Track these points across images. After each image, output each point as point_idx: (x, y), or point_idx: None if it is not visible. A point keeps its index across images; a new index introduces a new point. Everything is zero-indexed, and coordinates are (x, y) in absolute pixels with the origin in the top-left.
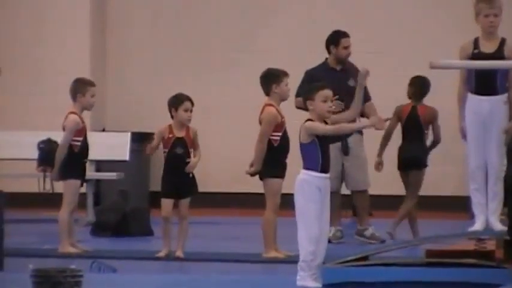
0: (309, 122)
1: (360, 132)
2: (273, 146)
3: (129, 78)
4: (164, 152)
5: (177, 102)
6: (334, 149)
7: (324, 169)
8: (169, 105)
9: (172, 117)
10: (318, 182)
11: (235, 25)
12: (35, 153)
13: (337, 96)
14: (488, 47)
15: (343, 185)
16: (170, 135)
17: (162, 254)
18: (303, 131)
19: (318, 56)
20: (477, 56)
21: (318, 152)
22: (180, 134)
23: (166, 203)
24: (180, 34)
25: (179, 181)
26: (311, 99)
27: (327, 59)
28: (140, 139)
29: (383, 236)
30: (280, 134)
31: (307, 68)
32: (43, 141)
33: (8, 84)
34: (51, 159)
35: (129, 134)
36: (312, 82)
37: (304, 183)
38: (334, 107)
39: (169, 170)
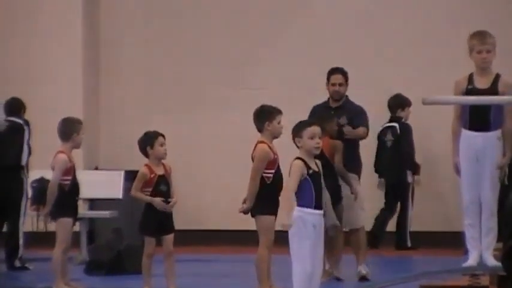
0: (298, 162)
1: (353, 171)
2: (266, 183)
3: (121, 117)
4: (146, 191)
5: (152, 139)
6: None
7: (318, 206)
8: (143, 144)
9: (147, 156)
10: (312, 218)
11: (228, 62)
12: (28, 193)
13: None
14: (482, 83)
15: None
16: (152, 175)
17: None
18: (291, 167)
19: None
20: (471, 91)
21: (312, 189)
22: (160, 171)
23: (152, 242)
24: (172, 72)
25: (164, 219)
26: (299, 136)
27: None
28: (133, 177)
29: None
30: (273, 171)
31: (301, 106)
32: (36, 180)
33: None
34: (44, 198)
35: (122, 173)
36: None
37: (299, 221)
38: (319, 144)
39: (155, 208)
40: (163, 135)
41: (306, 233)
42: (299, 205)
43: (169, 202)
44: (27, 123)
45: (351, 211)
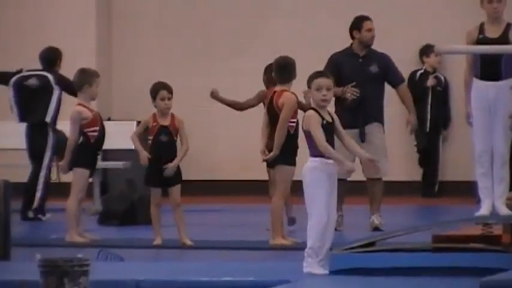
0: (311, 113)
1: (378, 120)
2: (289, 133)
3: (135, 68)
4: (149, 139)
5: (154, 91)
6: (350, 135)
7: (329, 156)
8: (150, 95)
9: (155, 106)
10: (327, 168)
11: (243, 12)
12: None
13: (353, 83)
14: (493, 32)
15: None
16: (154, 124)
17: (157, 242)
18: (306, 118)
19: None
20: (482, 41)
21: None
22: (164, 122)
23: (156, 192)
24: (186, 23)
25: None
26: (309, 87)
27: (351, 44)
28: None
29: (383, 225)
30: (295, 120)
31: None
32: None
33: None
34: (60, 150)
35: (135, 123)
36: (333, 67)
37: (314, 171)
38: (326, 96)
39: (154, 158)
40: (168, 89)
41: (321, 182)
42: (312, 155)
43: (172, 151)
44: (59, 79)
45: (378, 161)
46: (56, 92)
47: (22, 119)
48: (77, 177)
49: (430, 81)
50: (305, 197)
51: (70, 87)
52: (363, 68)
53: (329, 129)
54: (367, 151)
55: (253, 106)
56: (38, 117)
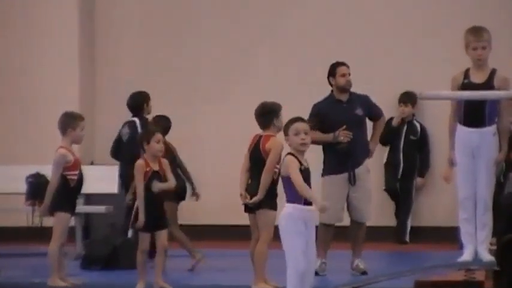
0: (290, 158)
1: (365, 160)
2: (273, 178)
3: (117, 112)
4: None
5: (149, 135)
6: (341, 179)
7: (308, 202)
8: (140, 139)
9: (144, 151)
10: (303, 214)
11: (227, 55)
12: (23, 187)
13: (344, 127)
14: (478, 78)
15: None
16: (147, 169)
17: (141, 286)
18: (283, 164)
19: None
20: (467, 86)
21: None
22: (155, 167)
23: (146, 237)
24: (170, 66)
25: (158, 214)
26: (286, 134)
27: (332, 91)
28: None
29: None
30: (279, 166)
31: (293, 99)
32: (31, 175)
33: None
34: (39, 193)
35: (117, 167)
36: (318, 115)
37: (289, 217)
38: (305, 140)
39: (148, 203)
40: (160, 132)
41: (297, 229)
42: (288, 201)
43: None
44: (143, 123)
45: (366, 204)
46: None
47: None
48: (58, 222)
49: (394, 122)
50: (282, 243)
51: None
52: (350, 112)
53: (306, 175)
54: (358, 196)
55: None
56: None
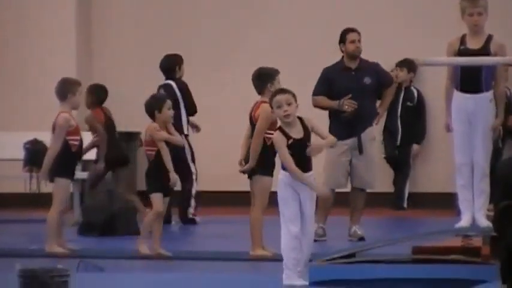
0: (276, 135)
1: (371, 124)
2: (266, 145)
3: (115, 78)
4: (152, 150)
5: (160, 102)
6: (344, 146)
7: (300, 169)
8: (151, 107)
9: (154, 119)
10: (292, 181)
11: (225, 24)
12: (21, 154)
13: (350, 95)
14: (474, 44)
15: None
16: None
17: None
18: (273, 142)
19: (310, 53)
20: (463, 52)
21: (291, 153)
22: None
23: (160, 198)
24: (167, 33)
25: (166, 178)
26: (272, 107)
27: (342, 57)
28: (126, 138)
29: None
30: (273, 132)
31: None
32: (29, 142)
33: None
34: (37, 159)
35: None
36: (326, 81)
37: (281, 183)
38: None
39: (161, 167)
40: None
41: (288, 195)
42: (282, 167)
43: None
44: (181, 86)
45: (370, 172)
46: (181, 100)
47: None
48: (59, 188)
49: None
50: (279, 209)
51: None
52: (357, 80)
53: (298, 146)
54: (362, 163)
55: None
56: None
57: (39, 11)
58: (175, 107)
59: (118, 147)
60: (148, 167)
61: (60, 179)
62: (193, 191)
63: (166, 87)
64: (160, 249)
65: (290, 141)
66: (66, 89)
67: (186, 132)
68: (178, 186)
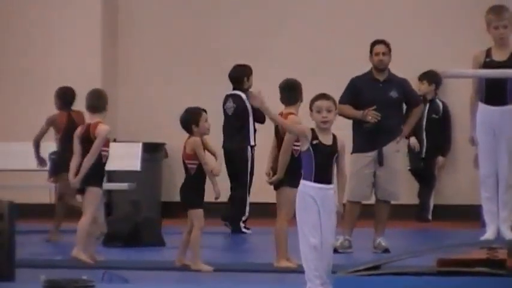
0: (303, 125)
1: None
2: (294, 156)
3: (140, 89)
4: (194, 164)
5: (197, 115)
6: (368, 158)
7: (319, 179)
8: (187, 121)
9: (191, 133)
10: (312, 191)
11: (247, 33)
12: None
13: (374, 107)
14: (500, 56)
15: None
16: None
17: (208, 269)
18: (300, 138)
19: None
20: (489, 64)
21: (312, 162)
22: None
23: (202, 213)
24: (191, 43)
25: (204, 192)
26: (310, 109)
27: (371, 69)
28: (151, 149)
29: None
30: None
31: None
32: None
33: (18, 95)
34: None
35: (140, 144)
36: (353, 90)
37: (300, 194)
38: (327, 118)
39: (202, 181)
40: (205, 111)
41: (306, 206)
42: (302, 178)
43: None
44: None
45: (392, 184)
46: (251, 111)
47: (223, 144)
48: (92, 196)
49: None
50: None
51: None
52: (384, 93)
53: (323, 151)
54: (384, 175)
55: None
56: (239, 143)
57: (61, 16)
58: (244, 117)
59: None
60: (186, 181)
61: (92, 188)
62: (247, 203)
63: (234, 97)
64: (185, 260)
65: (315, 142)
66: (104, 100)
67: (252, 143)
68: (223, 198)
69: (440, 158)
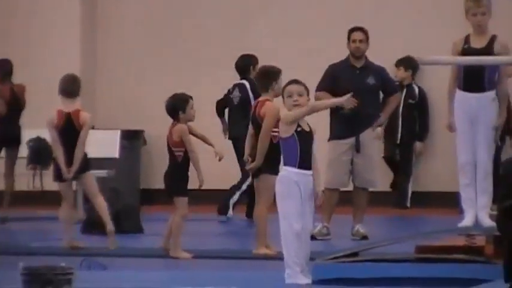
0: (283, 113)
1: (372, 125)
2: (273, 143)
3: (119, 76)
4: (180, 151)
5: (185, 102)
6: (345, 145)
7: (303, 165)
8: (174, 107)
9: (177, 119)
10: (296, 177)
11: (226, 22)
12: (24, 152)
13: (351, 93)
14: (478, 43)
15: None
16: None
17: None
18: (281, 124)
19: (307, 52)
20: (467, 51)
21: (297, 148)
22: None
23: (186, 201)
24: (170, 32)
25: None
26: (282, 96)
27: (348, 56)
28: (130, 136)
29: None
30: (278, 130)
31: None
32: (32, 139)
33: None
34: (40, 157)
35: (119, 132)
36: (330, 77)
37: (284, 180)
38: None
39: (187, 168)
40: (191, 97)
41: (290, 192)
42: (284, 164)
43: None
44: (253, 87)
45: (370, 171)
46: (253, 100)
47: (229, 133)
48: (92, 181)
49: None
50: (277, 205)
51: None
52: (360, 79)
53: (305, 137)
54: (361, 162)
55: None
56: (242, 132)
57: (42, 6)
58: (246, 106)
59: (13, 125)
60: (172, 169)
61: (88, 173)
62: (244, 187)
63: (240, 86)
64: (180, 251)
65: (299, 129)
66: (78, 86)
67: None
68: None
69: (417, 144)
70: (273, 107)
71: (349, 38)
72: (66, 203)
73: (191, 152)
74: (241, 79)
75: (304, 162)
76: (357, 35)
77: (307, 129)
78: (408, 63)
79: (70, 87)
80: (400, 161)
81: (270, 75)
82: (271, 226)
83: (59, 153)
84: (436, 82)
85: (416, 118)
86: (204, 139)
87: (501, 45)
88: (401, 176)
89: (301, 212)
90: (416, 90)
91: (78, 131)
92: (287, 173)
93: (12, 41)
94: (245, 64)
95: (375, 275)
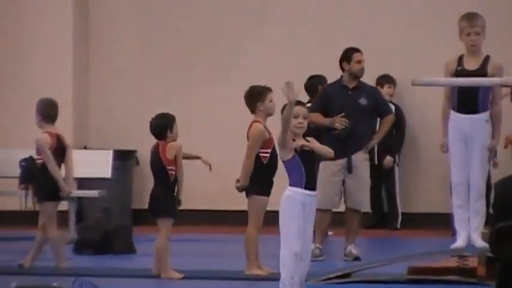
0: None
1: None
2: (262, 163)
3: (111, 96)
4: (173, 170)
5: (171, 121)
6: (336, 166)
7: (309, 186)
8: (161, 126)
9: (164, 138)
10: (302, 198)
11: (220, 41)
12: (16, 171)
13: (343, 114)
14: (471, 64)
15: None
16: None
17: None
18: (278, 149)
19: (304, 70)
20: (460, 73)
21: (301, 168)
22: None
23: (171, 223)
24: (163, 51)
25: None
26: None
27: (341, 76)
28: (122, 157)
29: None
30: (269, 150)
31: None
32: (25, 159)
33: None
34: (33, 176)
35: (111, 152)
36: (324, 98)
37: (289, 200)
38: (302, 124)
39: (173, 189)
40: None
41: (294, 212)
42: (290, 184)
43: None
44: None
45: (361, 192)
46: None
47: None
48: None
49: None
50: (280, 226)
51: None
52: (353, 100)
53: (308, 157)
54: (353, 183)
55: None
56: None
57: (33, 25)
58: None
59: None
60: (162, 188)
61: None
62: None
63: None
64: (171, 271)
65: (300, 150)
66: (57, 110)
67: None
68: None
69: (388, 158)
70: (256, 128)
71: (350, 59)
72: (54, 224)
73: (181, 170)
74: (310, 100)
75: (310, 182)
76: (360, 56)
77: (307, 148)
78: (390, 81)
79: (53, 111)
80: (382, 183)
81: (254, 96)
82: (268, 246)
83: (57, 172)
84: (413, 100)
85: (392, 136)
86: (187, 156)
87: (494, 66)
88: (387, 199)
89: (303, 233)
90: (393, 108)
91: (65, 151)
92: (292, 193)
93: (5, 63)
94: (312, 84)
95: None
